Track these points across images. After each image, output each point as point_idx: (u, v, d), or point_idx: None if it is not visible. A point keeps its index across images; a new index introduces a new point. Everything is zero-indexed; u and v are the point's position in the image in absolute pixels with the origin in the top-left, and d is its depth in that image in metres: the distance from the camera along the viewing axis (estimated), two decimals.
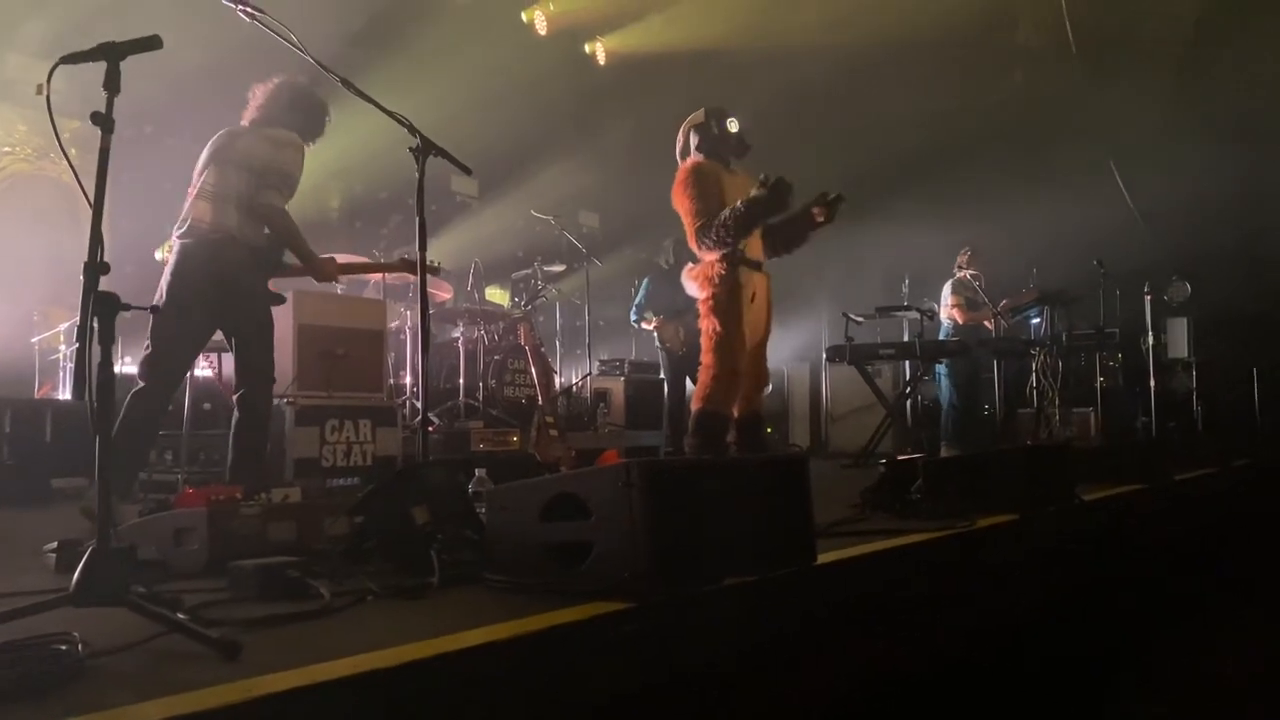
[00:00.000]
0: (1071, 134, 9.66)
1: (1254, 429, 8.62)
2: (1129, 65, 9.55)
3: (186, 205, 4.01)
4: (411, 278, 4.95)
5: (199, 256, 3.88)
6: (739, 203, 4.63)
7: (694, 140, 5.01)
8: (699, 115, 5.04)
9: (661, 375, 8.66)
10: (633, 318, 7.94)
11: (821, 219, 4.97)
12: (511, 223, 9.48)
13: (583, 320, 8.59)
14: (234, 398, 4.02)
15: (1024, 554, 3.54)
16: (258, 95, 4.17)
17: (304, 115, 4.18)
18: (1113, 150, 9.72)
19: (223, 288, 3.89)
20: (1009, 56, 10.10)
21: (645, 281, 7.94)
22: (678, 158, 5.08)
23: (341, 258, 6.58)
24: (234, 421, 3.99)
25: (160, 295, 3.87)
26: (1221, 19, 9.05)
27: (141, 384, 3.76)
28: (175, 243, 3.97)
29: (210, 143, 4.13)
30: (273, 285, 4.21)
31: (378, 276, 6.69)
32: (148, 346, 3.80)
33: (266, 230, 4.02)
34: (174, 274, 3.89)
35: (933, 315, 8.35)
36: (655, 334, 7.80)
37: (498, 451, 6.15)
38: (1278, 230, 9.43)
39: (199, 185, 4.01)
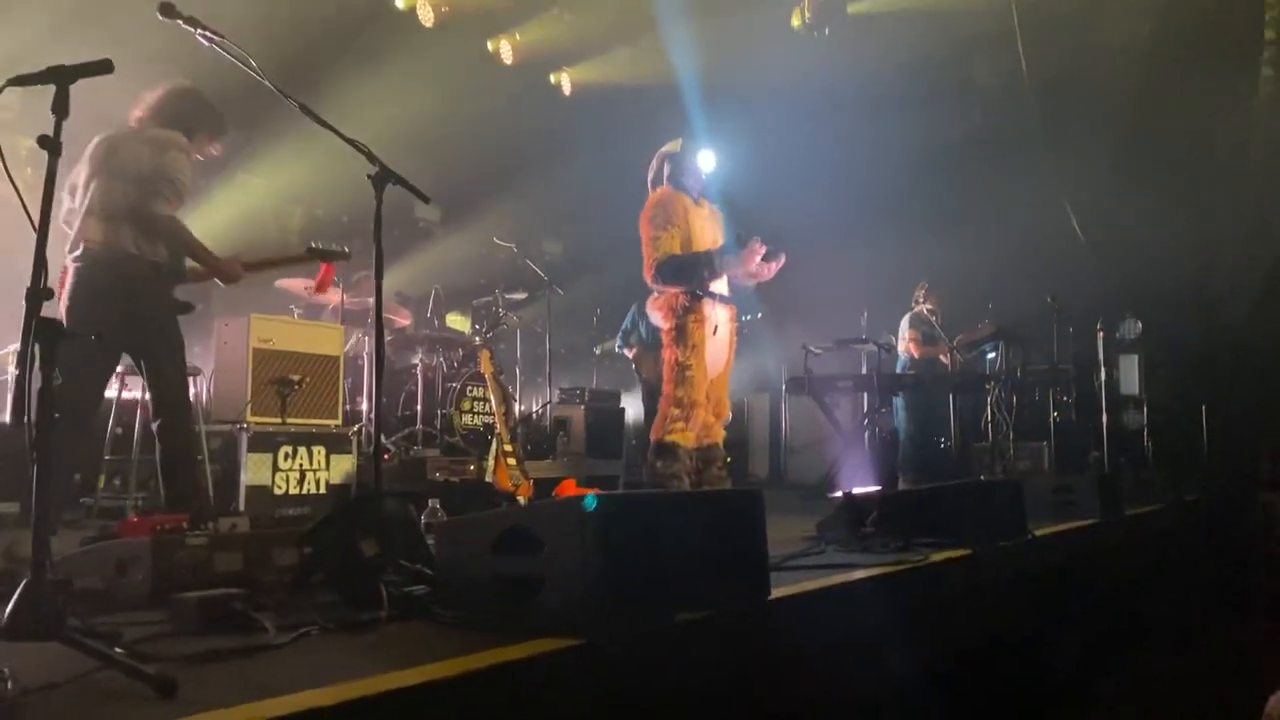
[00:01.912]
0: (1026, 172, 9.84)
1: (1203, 464, 8.75)
2: (1081, 108, 9.77)
3: (75, 224, 3.77)
4: (312, 286, 4.87)
5: (95, 279, 3.67)
6: (701, 256, 4.70)
7: (666, 170, 5.04)
8: (674, 145, 5.07)
9: (622, 405, 8.67)
10: (617, 345, 7.99)
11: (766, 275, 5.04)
12: (474, 249, 9.45)
13: (544, 348, 8.56)
14: (153, 427, 3.82)
15: (976, 588, 3.56)
16: (145, 99, 3.96)
17: (191, 114, 3.98)
18: (1066, 188, 9.91)
19: (126, 310, 3.68)
20: (965, 95, 10.28)
21: (634, 308, 7.94)
22: (649, 184, 5.10)
23: (294, 284, 6.57)
24: (158, 454, 3.80)
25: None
26: (1160, 75, 9.30)
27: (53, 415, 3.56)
28: (69, 265, 3.73)
29: (88, 152, 3.87)
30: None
31: (335, 300, 6.63)
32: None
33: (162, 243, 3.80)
34: (71, 299, 3.66)
35: (890, 348, 8.43)
36: (633, 363, 7.83)
37: (455, 481, 6.09)
38: (1225, 270, 9.66)
39: (85, 202, 3.77)
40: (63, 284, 3.72)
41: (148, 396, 3.96)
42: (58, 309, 3.70)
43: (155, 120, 3.92)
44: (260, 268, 4.23)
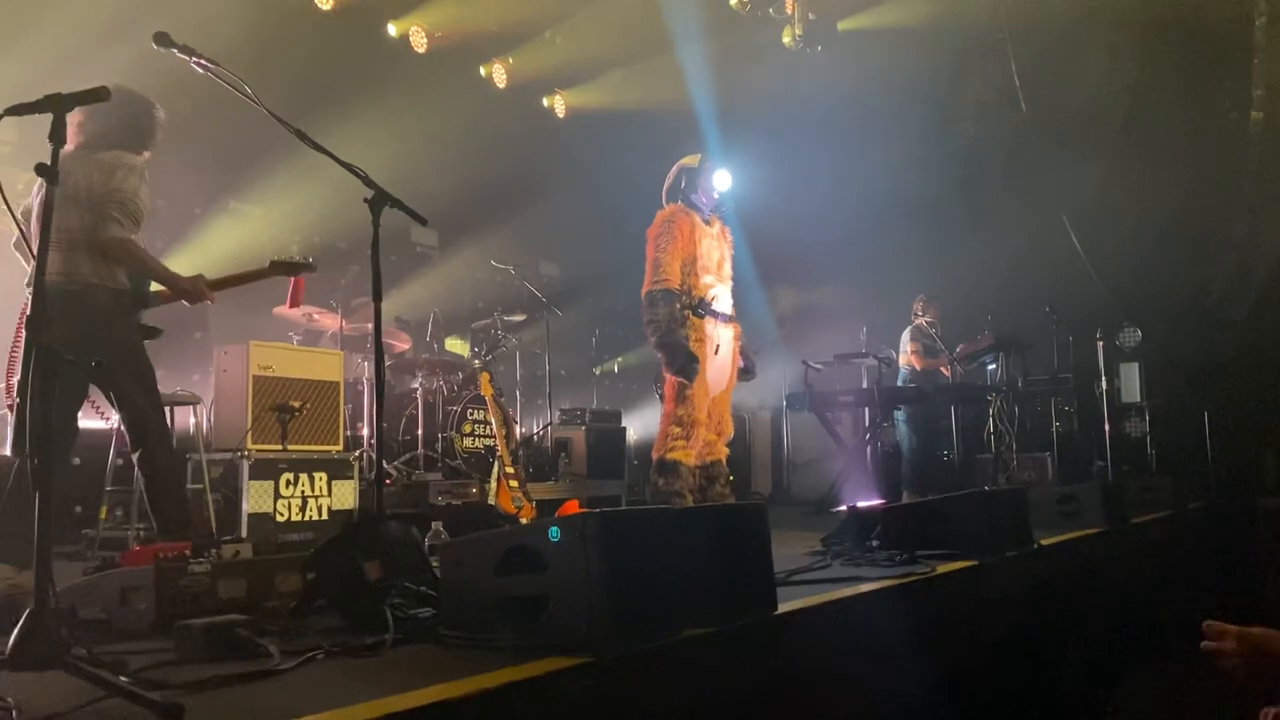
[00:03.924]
0: (1023, 183, 9.87)
1: (1207, 471, 8.74)
2: (1076, 118, 9.81)
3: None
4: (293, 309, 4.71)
5: (57, 312, 3.59)
6: (672, 336, 4.74)
7: (682, 183, 5.05)
8: (693, 159, 5.08)
9: (623, 425, 8.66)
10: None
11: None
12: (471, 273, 9.47)
13: (543, 370, 8.56)
14: (134, 458, 3.74)
15: (983, 599, 3.55)
16: (76, 115, 3.61)
17: (127, 123, 3.83)
18: (1062, 198, 9.93)
19: (90, 341, 3.52)
20: (958, 108, 10.33)
21: None
22: (664, 195, 5.12)
23: (293, 311, 6.57)
24: (142, 484, 3.72)
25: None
26: (1154, 82, 9.35)
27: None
28: (27, 296, 3.55)
29: (37, 185, 3.71)
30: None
31: (335, 326, 6.63)
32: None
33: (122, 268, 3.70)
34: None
35: (890, 362, 8.43)
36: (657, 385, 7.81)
37: (457, 504, 6.08)
38: (1224, 276, 9.67)
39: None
40: (22, 316, 3.61)
41: (122, 428, 3.85)
42: (15, 341, 3.62)
43: (97, 142, 3.78)
44: (224, 285, 4.07)
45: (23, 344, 3.44)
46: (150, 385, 3.80)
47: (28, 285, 3.64)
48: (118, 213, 3.67)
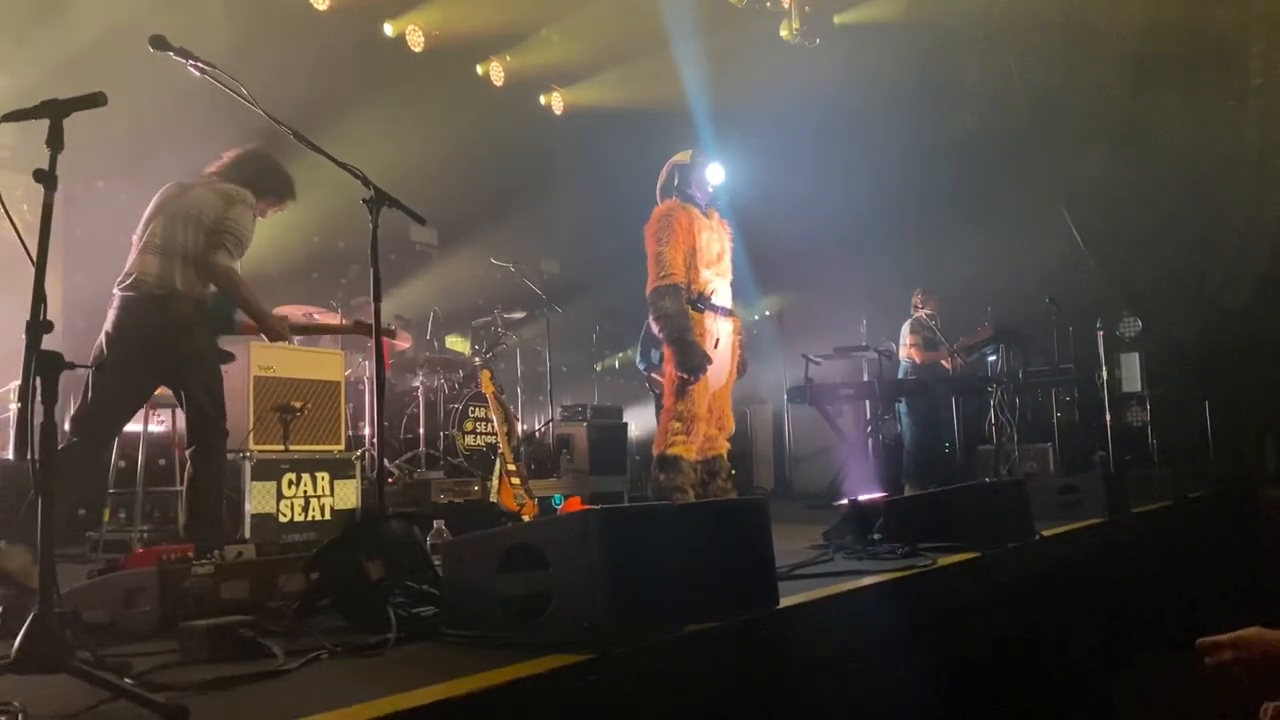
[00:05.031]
0: (1021, 175, 9.86)
1: (1208, 460, 8.75)
2: (1075, 110, 9.80)
3: (131, 257, 3.87)
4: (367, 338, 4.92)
5: (142, 311, 3.75)
6: (685, 334, 4.73)
7: (675, 180, 5.05)
8: (684, 155, 5.08)
9: (625, 421, 8.66)
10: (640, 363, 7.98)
11: None
12: (471, 271, 9.47)
13: (544, 366, 8.57)
14: (186, 453, 3.89)
15: (985, 590, 3.55)
16: (225, 155, 4.12)
17: (264, 176, 4.12)
18: (1062, 190, 9.93)
19: (167, 344, 3.77)
20: (956, 99, 10.32)
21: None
22: (658, 193, 5.11)
23: (293, 310, 6.59)
24: (187, 478, 3.85)
25: (99, 350, 3.74)
26: (1152, 71, 9.35)
27: (73, 439, 3.59)
28: (116, 295, 3.82)
29: (159, 193, 4.00)
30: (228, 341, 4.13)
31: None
32: (83, 400, 3.65)
33: (213, 287, 3.91)
34: (115, 328, 3.75)
35: (891, 355, 8.43)
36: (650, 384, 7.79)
37: (459, 502, 6.09)
38: (1223, 264, 9.67)
39: (145, 237, 3.88)
40: (109, 314, 3.81)
41: (182, 426, 4.03)
42: (99, 337, 3.79)
43: (228, 175, 4.05)
44: (307, 332, 4.43)
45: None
46: (217, 393, 3.92)
47: (119, 283, 3.83)
48: (229, 242, 3.87)
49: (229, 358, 4.09)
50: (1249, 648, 1.76)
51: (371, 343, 3.35)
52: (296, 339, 6.74)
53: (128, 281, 3.81)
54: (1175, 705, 3.91)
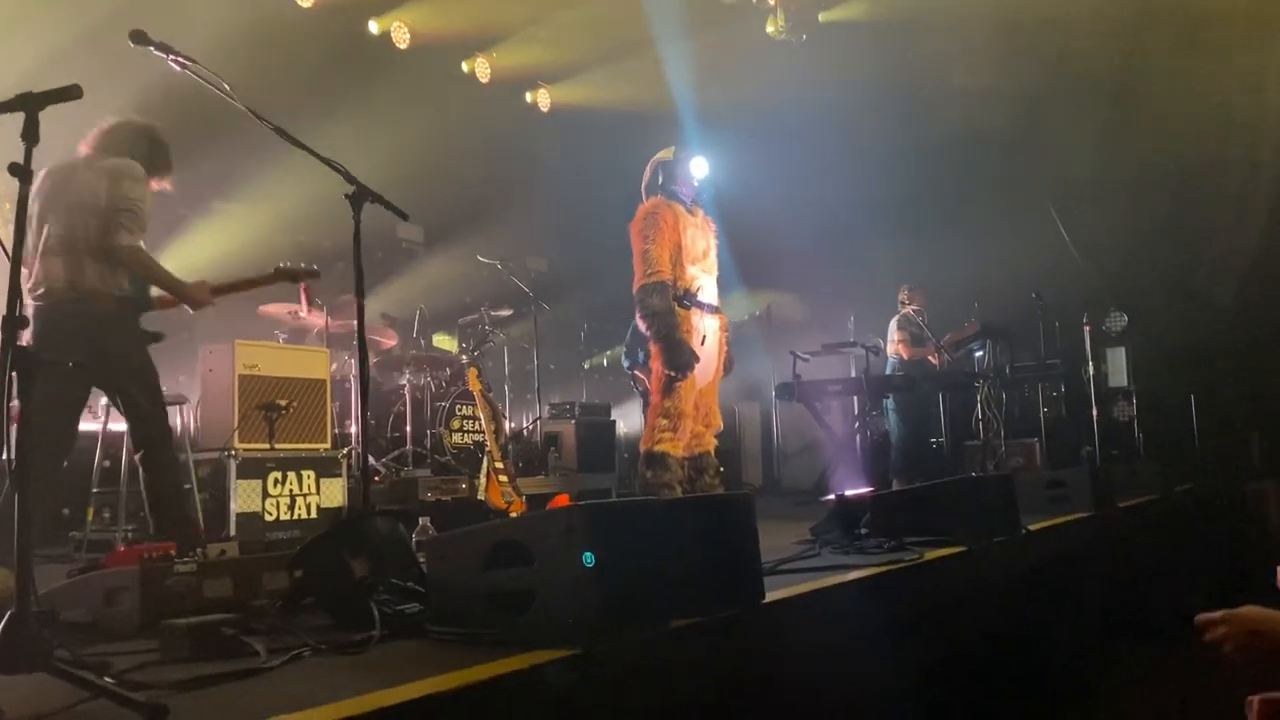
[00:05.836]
0: (1008, 171, 9.89)
1: (1193, 454, 8.79)
2: (1061, 107, 9.83)
3: (35, 265, 3.61)
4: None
5: (60, 319, 3.56)
6: (673, 331, 4.72)
7: (659, 177, 5.03)
8: (667, 152, 5.07)
9: (613, 418, 8.66)
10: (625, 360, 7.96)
11: None
12: (458, 268, 9.43)
13: (532, 364, 8.55)
14: (136, 459, 3.75)
15: (971, 585, 3.56)
16: (92, 133, 3.83)
17: (143, 149, 3.87)
18: (1048, 186, 9.95)
19: (94, 347, 3.56)
20: (944, 97, 10.34)
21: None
22: (642, 191, 5.10)
23: (279, 308, 6.54)
24: (144, 484, 3.73)
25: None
26: (1140, 72, 9.39)
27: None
28: (30, 304, 3.54)
29: (36, 189, 3.65)
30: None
31: (320, 324, 6.60)
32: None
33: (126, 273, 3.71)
34: (36, 340, 3.50)
35: (878, 351, 8.44)
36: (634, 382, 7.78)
37: (447, 499, 6.07)
38: (1209, 259, 9.71)
39: (42, 241, 3.61)
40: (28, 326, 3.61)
41: (127, 430, 3.89)
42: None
43: (107, 150, 3.81)
44: (228, 290, 4.06)
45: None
46: (154, 388, 3.80)
47: (31, 292, 3.61)
48: (127, 220, 3.66)
49: (158, 338, 3.92)
50: (1242, 623, 1.79)
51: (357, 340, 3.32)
52: (282, 335, 6.76)
53: (39, 291, 3.60)
54: (1162, 697, 3.93)
